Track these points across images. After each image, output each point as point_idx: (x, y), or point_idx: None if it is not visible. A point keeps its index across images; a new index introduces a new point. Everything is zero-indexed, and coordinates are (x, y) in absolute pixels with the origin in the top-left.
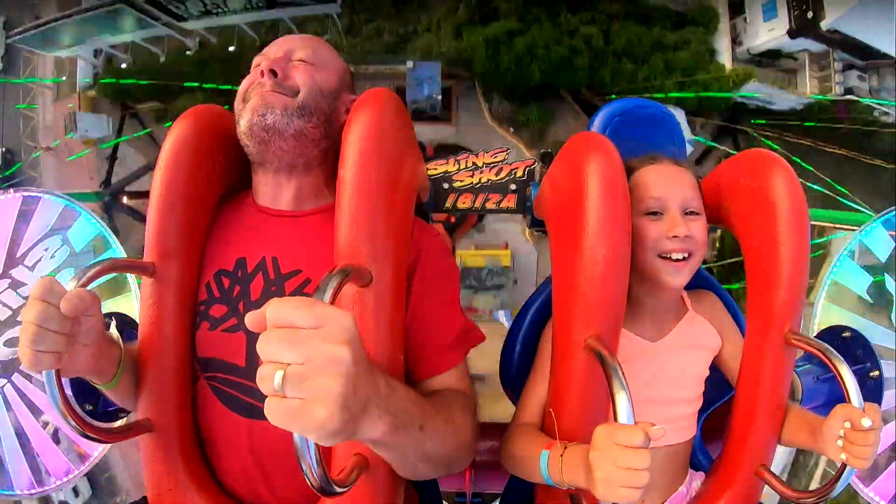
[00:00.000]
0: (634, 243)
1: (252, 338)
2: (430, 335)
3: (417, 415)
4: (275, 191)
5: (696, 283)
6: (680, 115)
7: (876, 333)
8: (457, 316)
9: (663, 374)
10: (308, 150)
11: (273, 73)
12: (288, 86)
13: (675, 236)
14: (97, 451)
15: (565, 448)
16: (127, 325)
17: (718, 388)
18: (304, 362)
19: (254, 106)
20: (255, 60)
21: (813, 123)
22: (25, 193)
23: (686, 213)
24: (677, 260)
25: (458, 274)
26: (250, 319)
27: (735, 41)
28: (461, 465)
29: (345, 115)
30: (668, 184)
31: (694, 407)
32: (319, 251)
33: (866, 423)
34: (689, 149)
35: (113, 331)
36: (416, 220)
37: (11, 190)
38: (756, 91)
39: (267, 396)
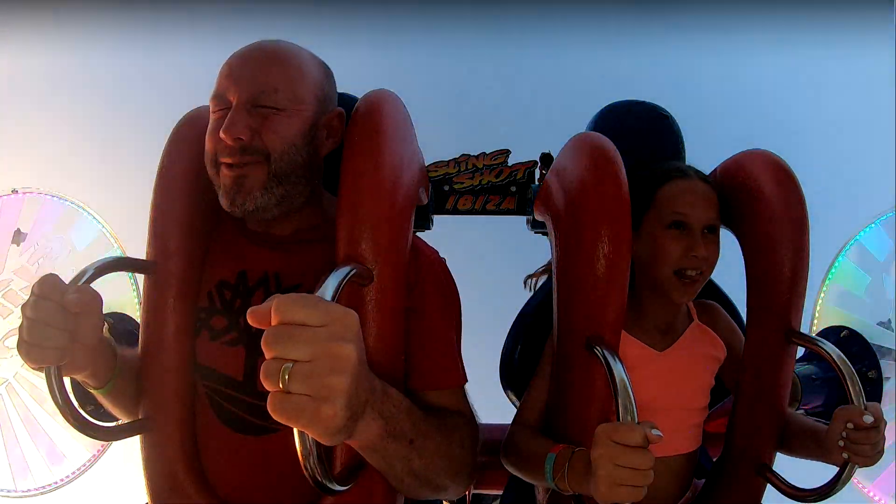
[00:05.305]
0: (653, 255)
1: (251, 354)
2: (430, 347)
3: (408, 426)
4: (266, 229)
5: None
6: None
7: (874, 333)
8: (456, 341)
9: (669, 383)
10: (295, 202)
11: (238, 139)
12: (257, 148)
13: (694, 255)
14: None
15: (573, 453)
16: (128, 325)
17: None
18: (310, 360)
19: (229, 189)
20: (215, 100)
21: None
22: (28, 193)
23: (705, 233)
24: (690, 278)
25: (458, 298)
26: (253, 315)
27: None
28: (454, 493)
29: (328, 139)
30: (696, 203)
31: (700, 416)
32: (320, 268)
33: (868, 419)
34: None
35: (107, 334)
36: (416, 238)
37: (14, 189)
38: None
39: (270, 393)
